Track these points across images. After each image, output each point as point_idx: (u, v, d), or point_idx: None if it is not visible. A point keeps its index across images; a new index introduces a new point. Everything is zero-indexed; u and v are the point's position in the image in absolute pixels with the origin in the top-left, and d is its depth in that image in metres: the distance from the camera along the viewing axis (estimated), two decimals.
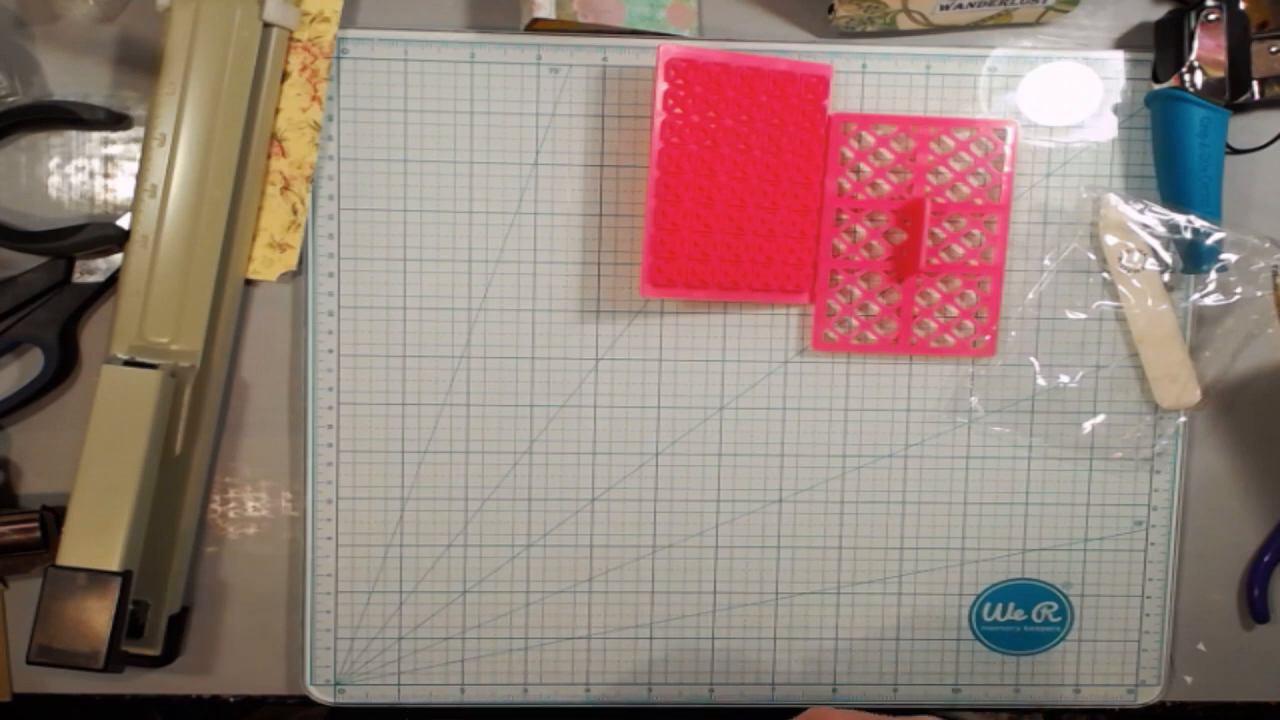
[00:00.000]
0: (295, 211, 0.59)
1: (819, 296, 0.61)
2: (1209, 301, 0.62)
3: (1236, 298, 0.62)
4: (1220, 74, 0.58)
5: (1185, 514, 0.64)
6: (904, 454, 0.63)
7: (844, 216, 0.61)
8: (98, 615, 0.53)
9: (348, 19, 0.59)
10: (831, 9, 0.58)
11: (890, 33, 0.60)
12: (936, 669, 0.64)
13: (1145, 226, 0.60)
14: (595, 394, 0.61)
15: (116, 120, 0.58)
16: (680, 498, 0.62)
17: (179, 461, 0.58)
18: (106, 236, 0.57)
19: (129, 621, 0.55)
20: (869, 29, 0.60)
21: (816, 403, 0.62)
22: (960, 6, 0.58)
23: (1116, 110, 0.61)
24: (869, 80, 0.61)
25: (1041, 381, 0.62)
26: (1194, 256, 0.60)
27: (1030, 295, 0.62)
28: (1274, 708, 0.66)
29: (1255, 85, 0.59)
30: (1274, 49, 0.59)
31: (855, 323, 0.61)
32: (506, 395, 0.61)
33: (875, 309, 0.61)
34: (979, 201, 0.61)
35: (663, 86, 0.56)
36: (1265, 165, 0.62)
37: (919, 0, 0.57)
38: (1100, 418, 0.63)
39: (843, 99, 0.61)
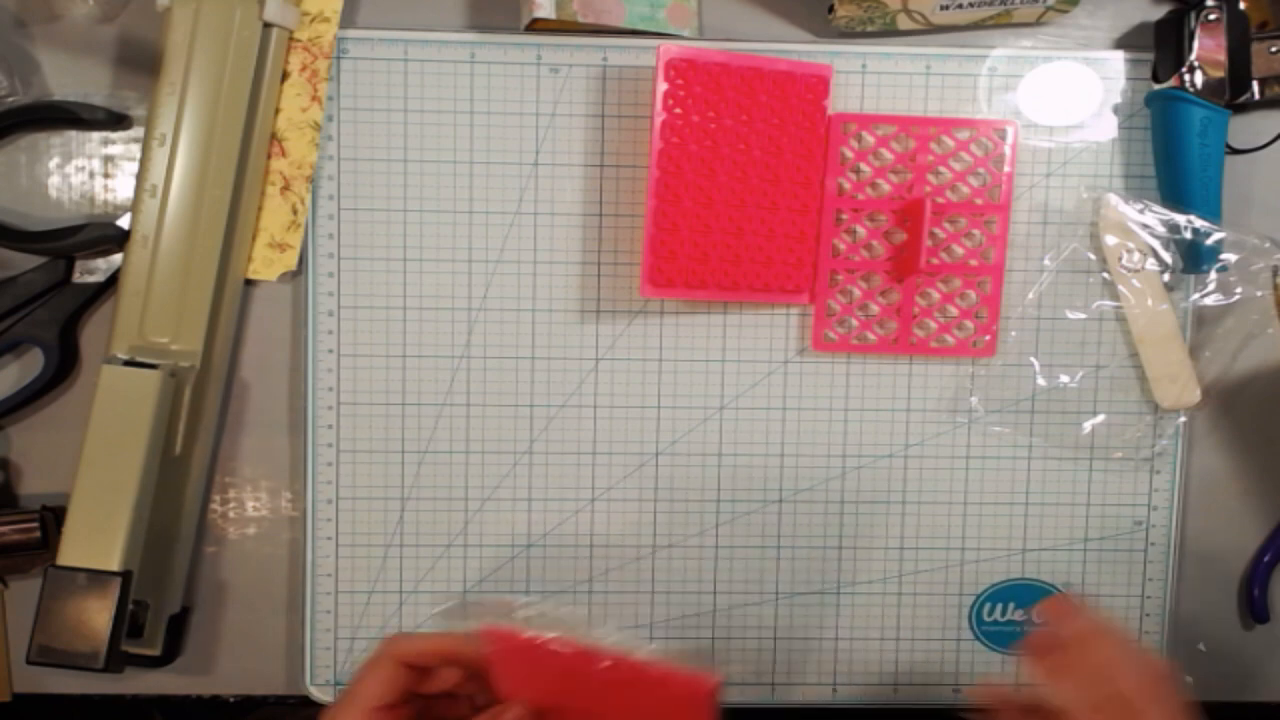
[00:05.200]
0: (295, 211, 0.59)
1: (819, 296, 0.61)
2: (1209, 301, 0.62)
3: (1236, 298, 0.62)
4: (1220, 74, 0.58)
5: (1185, 514, 0.64)
6: (904, 454, 0.63)
7: (844, 216, 0.61)
8: (98, 615, 0.53)
9: (348, 19, 0.59)
10: (831, 9, 0.58)
11: (890, 33, 0.60)
12: (936, 669, 0.64)
13: (1145, 226, 0.60)
14: (595, 394, 0.61)
15: (116, 120, 0.58)
16: (680, 498, 0.62)
17: (179, 461, 0.58)
18: (106, 236, 0.57)
19: (129, 621, 0.55)
20: (869, 29, 0.60)
21: (816, 403, 0.62)
22: (960, 6, 0.58)
23: (1116, 110, 0.61)
24: (869, 80, 0.61)
25: (1041, 381, 0.62)
26: (1194, 256, 0.60)
27: (1030, 295, 0.62)
28: (1274, 708, 0.66)
29: (1255, 85, 0.59)
30: (1274, 49, 0.59)
31: (855, 323, 0.61)
32: (506, 395, 0.61)
33: (875, 309, 0.61)
34: (979, 201, 0.61)
35: (663, 86, 0.56)
36: (1265, 165, 0.62)
37: (919, 0, 0.57)
38: (1100, 418, 0.63)
39: (843, 99, 0.61)
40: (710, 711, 0.47)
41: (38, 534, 0.59)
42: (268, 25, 0.56)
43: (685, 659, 0.47)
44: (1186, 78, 0.58)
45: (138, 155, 0.57)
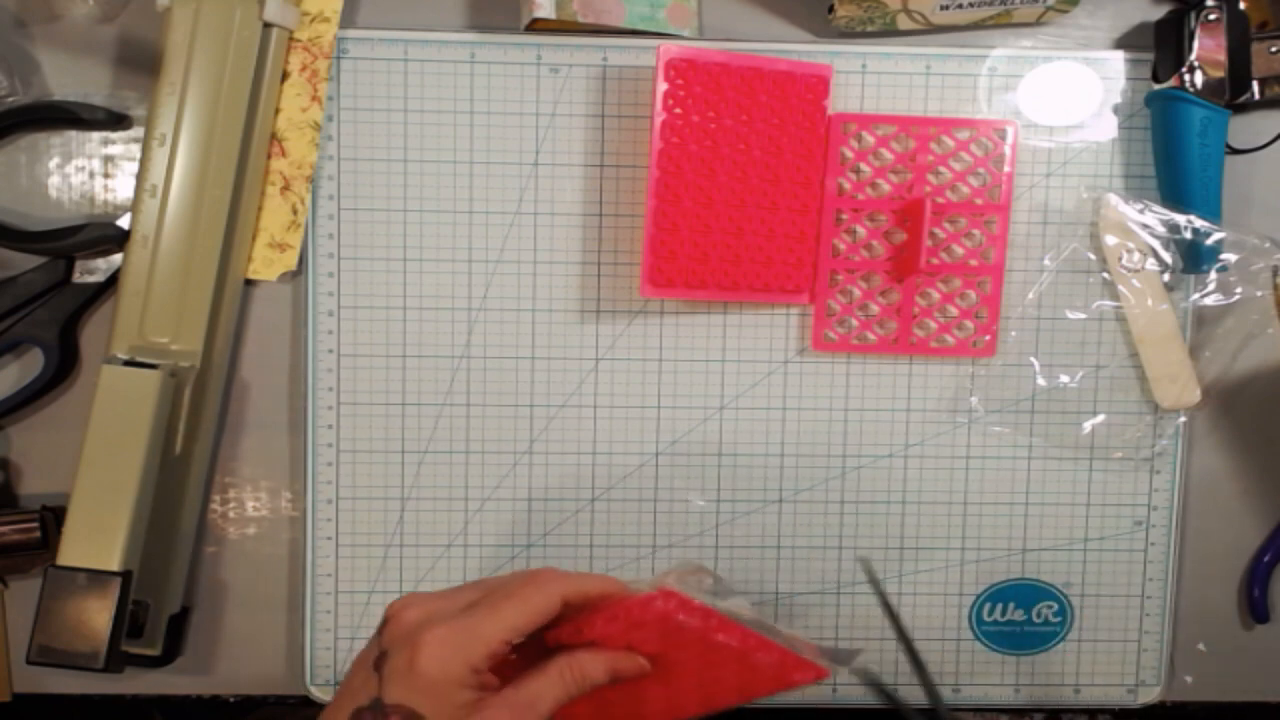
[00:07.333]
0: (295, 211, 0.59)
1: (819, 296, 0.61)
2: (1209, 301, 0.62)
3: (1236, 298, 0.62)
4: (1220, 74, 0.58)
5: (1185, 514, 0.64)
6: (904, 454, 0.63)
7: (844, 216, 0.61)
8: (98, 615, 0.53)
9: (348, 19, 0.59)
10: (831, 9, 0.58)
11: (890, 33, 0.60)
12: (936, 669, 0.64)
13: (1145, 226, 0.60)
14: (595, 394, 0.61)
15: (116, 120, 0.58)
16: (680, 498, 0.62)
17: (179, 461, 0.58)
18: (106, 236, 0.57)
19: (129, 621, 0.55)
20: (869, 29, 0.60)
21: (816, 403, 0.62)
22: (960, 6, 0.58)
23: (1116, 110, 0.61)
24: (869, 80, 0.61)
25: (1041, 381, 0.62)
26: (1194, 256, 0.60)
27: (1030, 295, 0.62)
28: (1274, 708, 0.66)
29: (1255, 85, 0.59)
30: (1274, 49, 0.59)
31: (855, 323, 0.61)
32: (506, 395, 0.61)
33: (875, 309, 0.61)
34: (979, 201, 0.61)
35: (663, 86, 0.56)
36: (1265, 165, 0.62)
37: (919, 0, 0.57)
38: (1100, 418, 0.63)
39: (843, 99, 0.61)
40: (781, 687, 0.47)
41: (38, 534, 0.59)
42: (268, 25, 0.56)
43: (826, 653, 0.47)
44: (1186, 78, 0.58)
45: (138, 155, 0.57)
